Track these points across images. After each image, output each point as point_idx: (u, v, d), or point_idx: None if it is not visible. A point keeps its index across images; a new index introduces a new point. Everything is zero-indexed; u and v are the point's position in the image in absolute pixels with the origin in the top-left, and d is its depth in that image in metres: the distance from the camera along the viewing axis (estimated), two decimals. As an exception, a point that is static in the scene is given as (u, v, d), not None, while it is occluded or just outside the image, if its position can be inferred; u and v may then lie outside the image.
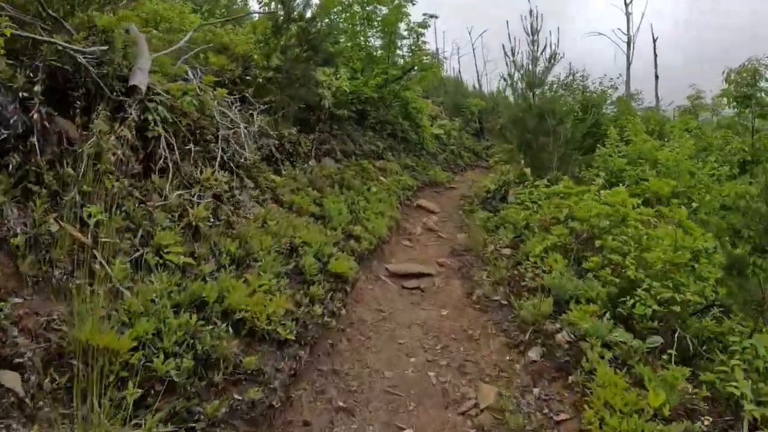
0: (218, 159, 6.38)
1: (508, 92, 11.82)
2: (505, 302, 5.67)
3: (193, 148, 6.04)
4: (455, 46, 26.49)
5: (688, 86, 12.02)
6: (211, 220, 5.35)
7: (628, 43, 19.35)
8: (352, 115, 12.00)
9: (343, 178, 9.36)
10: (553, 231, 6.55)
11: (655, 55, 18.56)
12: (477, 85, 25.05)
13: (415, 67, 14.70)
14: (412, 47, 14.62)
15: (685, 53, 25.11)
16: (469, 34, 27.19)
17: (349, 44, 14.12)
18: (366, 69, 13.72)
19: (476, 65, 26.04)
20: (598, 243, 6.08)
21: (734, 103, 10.27)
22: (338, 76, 10.90)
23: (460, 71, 23.67)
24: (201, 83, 6.86)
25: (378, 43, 14.44)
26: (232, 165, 6.45)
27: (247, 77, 9.26)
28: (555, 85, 9.72)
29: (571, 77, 10.49)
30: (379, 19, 13.85)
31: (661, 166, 8.53)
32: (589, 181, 8.95)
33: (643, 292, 5.26)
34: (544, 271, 6.03)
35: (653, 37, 18.82)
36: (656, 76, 18.12)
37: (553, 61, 9.51)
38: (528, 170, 7.81)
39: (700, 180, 8.63)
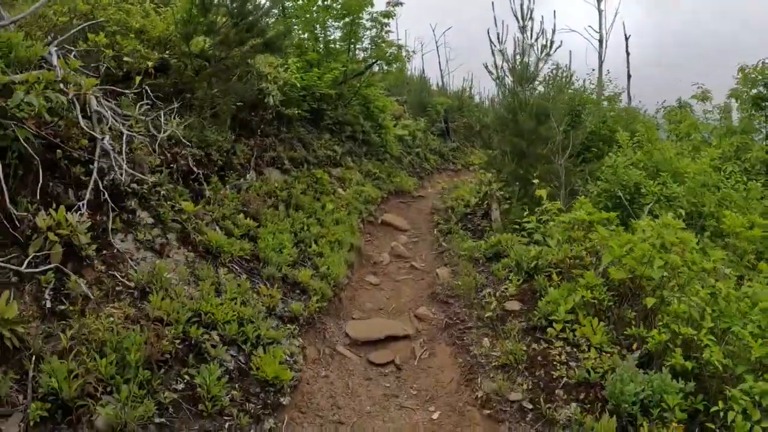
0: (90, 187, 4.00)
1: (491, 88, 9.56)
2: (531, 406, 3.54)
3: (41, 174, 3.65)
4: (419, 44, 24.13)
5: (690, 84, 10.14)
6: (47, 306, 2.98)
7: (600, 41, 17.64)
8: (305, 115, 9.67)
9: (290, 195, 7.04)
10: (580, 279, 4.46)
11: (628, 54, 16.90)
12: (440, 83, 22.89)
13: (379, 61, 12.46)
14: (375, 39, 12.34)
15: (657, 52, 23.73)
16: (433, 31, 24.97)
17: (305, 35, 11.76)
18: (323, 62, 11.40)
19: (440, 63, 23.89)
20: (649, 302, 4.02)
21: (745, 106, 8.52)
22: (286, 67, 8.54)
23: (423, 69, 21.46)
24: (71, 73, 4.44)
25: (338, 35, 12.12)
26: (106, 194, 4.05)
27: (168, 68, 6.90)
28: (550, 81, 7.57)
29: (556, 72, 8.44)
30: (338, 6, 11.54)
31: (688, 179, 6.59)
32: (596, 199, 6.93)
33: (742, 396, 3.25)
34: (577, 347, 3.93)
35: (625, 36, 17.14)
36: (629, 76, 16.45)
37: (548, 50, 7.43)
38: (544, 193, 5.63)
39: (729, 196, 6.75)
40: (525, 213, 6.21)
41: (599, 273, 4.50)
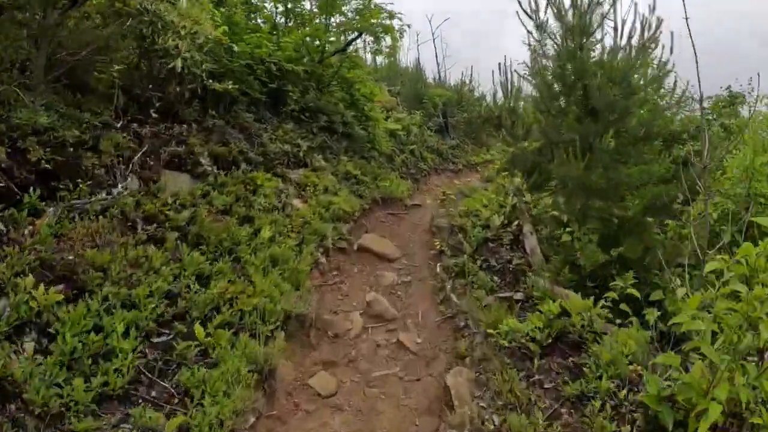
0: None
1: (493, 82, 5.94)
2: None
3: None
4: (414, 33, 20.67)
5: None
6: None
7: (615, 29, 14.32)
8: (260, 96, 6.43)
9: (194, 217, 3.81)
10: None
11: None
12: (437, 77, 19.50)
13: (364, 34, 9.19)
14: (361, 9, 9.05)
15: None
16: (430, 22, 21.71)
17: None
18: (290, 29, 8.16)
19: (436, 56, 20.59)
20: None
21: None
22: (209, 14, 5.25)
23: (419, 58, 18.12)
24: None
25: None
26: None
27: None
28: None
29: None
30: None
31: None
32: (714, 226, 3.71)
33: None
34: None
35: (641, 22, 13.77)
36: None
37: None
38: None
39: None
40: (598, 251, 3.03)
41: None
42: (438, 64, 20.23)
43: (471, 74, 20.45)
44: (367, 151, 9.39)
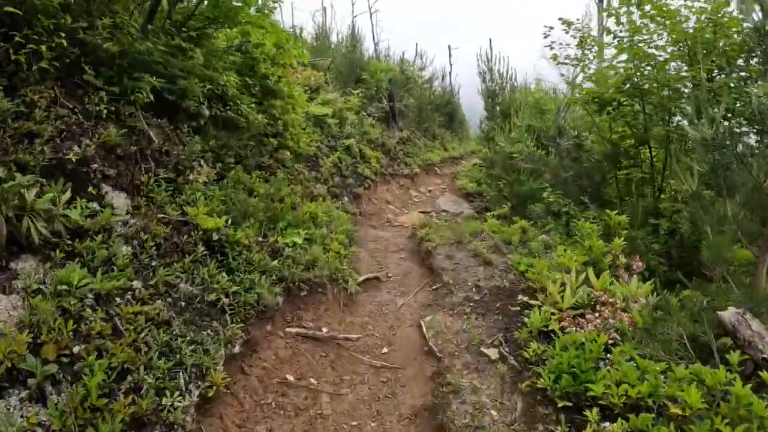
0: None
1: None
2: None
3: None
4: (350, 3, 15.70)
5: None
6: None
7: None
8: None
9: None
10: None
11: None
12: (375, 55, 14.75)
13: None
14: None
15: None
16: (365, -4, 16.97)
17: None
18: None
19: (374, 33, 16.07)
20: None
21: None
22: None
23: (353, 26, 13.28)
24: None
25: None
26: None
27: None
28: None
29: None
30: None
31: None
32: None
33: None
34: None
35: None
36: None
37: None
38: None
39: None
40: None
41: None
42: (375, 42, 15.50)
43: (417, 51, 16.21)
44: (271, 154, 4.81)
